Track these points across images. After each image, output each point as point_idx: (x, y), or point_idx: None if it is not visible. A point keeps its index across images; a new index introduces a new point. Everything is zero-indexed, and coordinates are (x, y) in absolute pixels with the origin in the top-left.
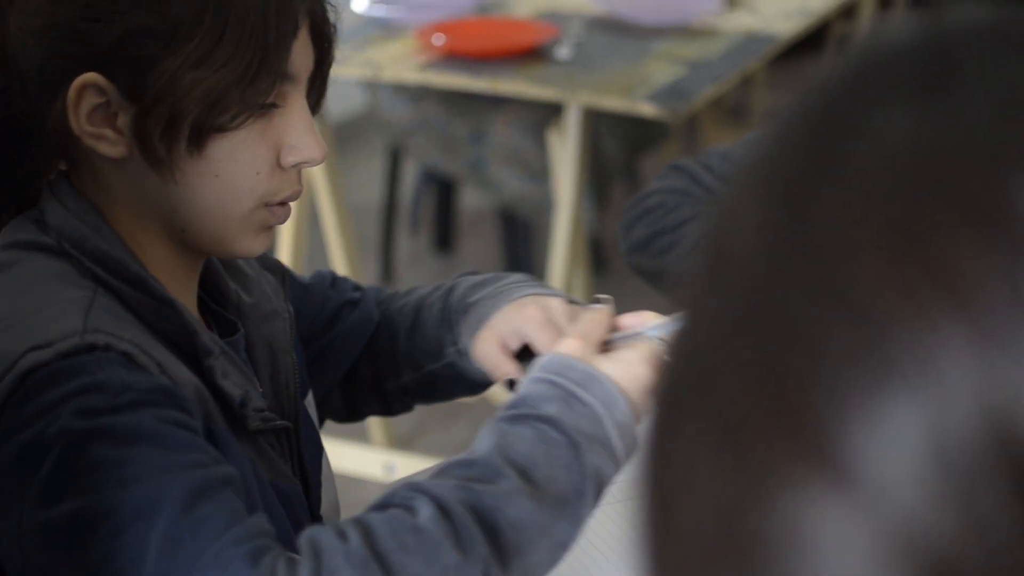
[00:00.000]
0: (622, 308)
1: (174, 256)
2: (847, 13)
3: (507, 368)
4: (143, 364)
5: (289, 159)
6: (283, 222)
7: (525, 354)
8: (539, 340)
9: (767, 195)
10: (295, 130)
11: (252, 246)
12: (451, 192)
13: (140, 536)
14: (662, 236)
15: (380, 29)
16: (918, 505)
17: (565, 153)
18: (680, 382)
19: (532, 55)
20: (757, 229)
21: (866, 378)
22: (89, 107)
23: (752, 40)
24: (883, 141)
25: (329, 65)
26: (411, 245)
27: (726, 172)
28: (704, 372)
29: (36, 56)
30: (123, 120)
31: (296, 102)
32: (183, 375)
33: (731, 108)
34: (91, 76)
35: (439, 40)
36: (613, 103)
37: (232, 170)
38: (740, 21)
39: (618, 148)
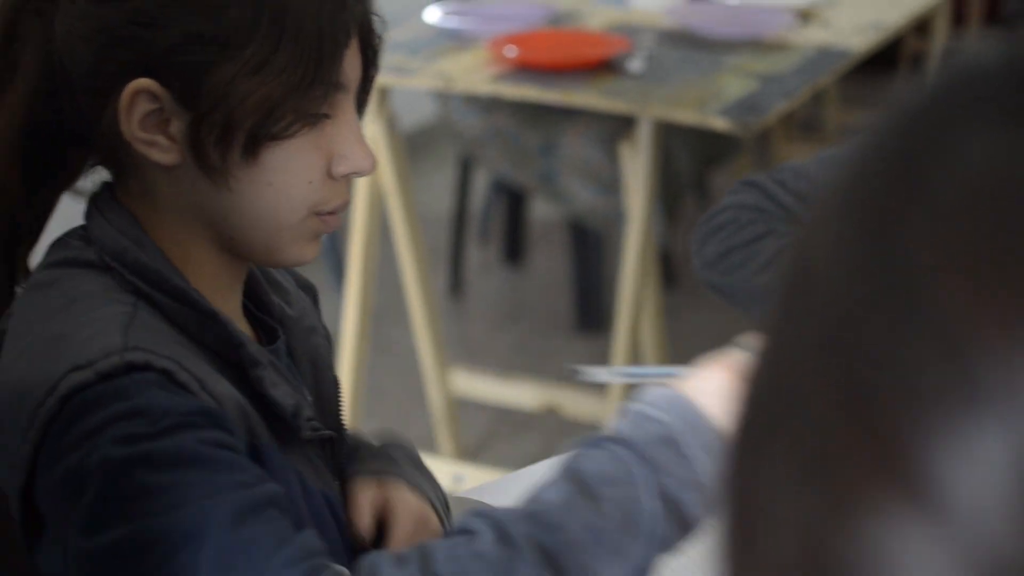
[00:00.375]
0: (693, 322)
1: (219, 265)
2: (921, 29)
3: (363, 521)
4: (183, 381)
5: (340, 169)
6: (332, 231)
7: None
8: (399, 530)
9: (852, 218)
10: (346, 140)
11: (302, 254)
12: (521, 203)
13: (190, 561)
14: (735, 252)
15: (452, 40)
16: (1004, 532)
17: (637, 166)
18: (762, 407)
19: (604, 68)
20: (842, 253)
21: (954, 405)
22: (142, 113)
23: (825, 55)
24: (971, 165)
25: (375, 76)
26: (481, 256)
27: (799, 188)
28: (788, 397)
29: (84, 60)
30: (176, 127)
31: (347, 112)
32: (224, 389)
33: (803, 122)
34: (144, 82)
35: (511, 52)
36: (685, 116)
37: (285, 179)
38: (813, 36)
39: (689, 162)
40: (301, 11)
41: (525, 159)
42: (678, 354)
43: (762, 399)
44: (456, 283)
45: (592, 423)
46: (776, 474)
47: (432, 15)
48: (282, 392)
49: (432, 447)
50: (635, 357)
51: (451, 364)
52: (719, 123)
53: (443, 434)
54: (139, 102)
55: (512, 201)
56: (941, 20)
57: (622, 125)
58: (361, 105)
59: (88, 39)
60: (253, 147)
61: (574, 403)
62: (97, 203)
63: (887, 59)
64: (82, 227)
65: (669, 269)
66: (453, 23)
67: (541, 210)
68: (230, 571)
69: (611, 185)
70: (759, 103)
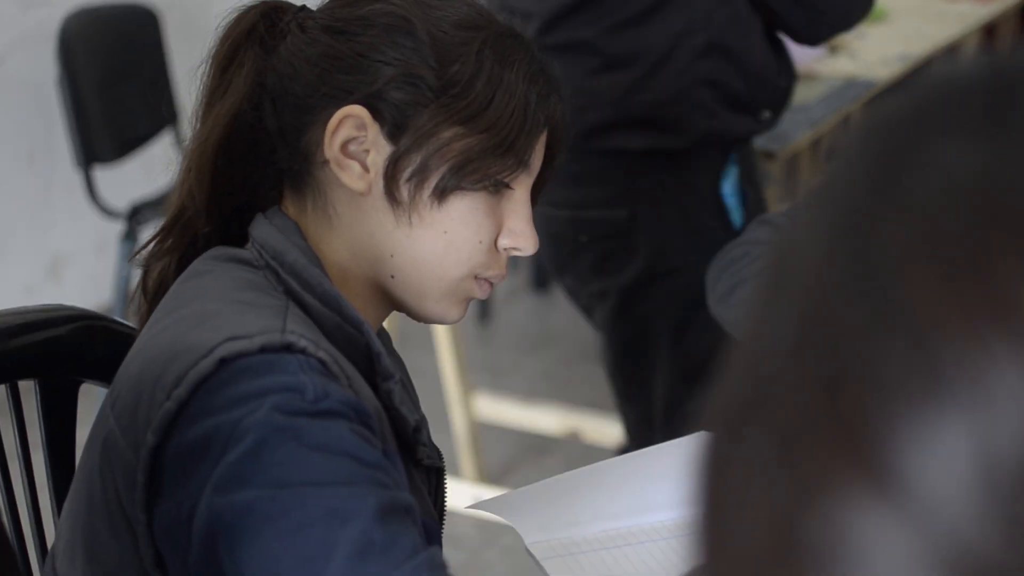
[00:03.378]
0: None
1: (368, 300)
2: (948, 59)
3: None
4: (335, 374)
5: (506, 242)
6: (482, 298)
7: None
8: None
9: (829, 219)
10: (518, 217)
11: (447, 312)
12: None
13: (330, 535)
14: (743, 286)
15: None
16: (965, 519)
17: None
18: (738, 396)
19: None
20: (819, 251)
21: (920, 396)
22: (346, 137)
23: (851, 85)
24: (944, 170)
25: (549, 177)
26: (509, 282)
27: None
28: (762, 387)
29: (304, 80)
30: (374, 157)
31: (525, 193)
32: (366, 393)
33: (830, 152)
34: (357, 109)
35: None
36: None
37: (460, 230)
38: (840, 66)
39: None
40: (514, 85)
41: None
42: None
43: (738, 385)
44: (484, 310)
45: (615, 449)
46: (749, 458)
47: None
48: (407, 409)
49: (455, 470)
50: None
51: (476, 388)
52: None
53: (466, 458)
54: (346, 126)
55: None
56: (968, 49)
57: None
58: (533, 199)
59: (313, 62)
60: (442, 192)
61: (597, 428)
62: (265, 213)
63: None
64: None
65: None
66: None
67: None
68: (365, 559)
69: None
70: (784, 132)
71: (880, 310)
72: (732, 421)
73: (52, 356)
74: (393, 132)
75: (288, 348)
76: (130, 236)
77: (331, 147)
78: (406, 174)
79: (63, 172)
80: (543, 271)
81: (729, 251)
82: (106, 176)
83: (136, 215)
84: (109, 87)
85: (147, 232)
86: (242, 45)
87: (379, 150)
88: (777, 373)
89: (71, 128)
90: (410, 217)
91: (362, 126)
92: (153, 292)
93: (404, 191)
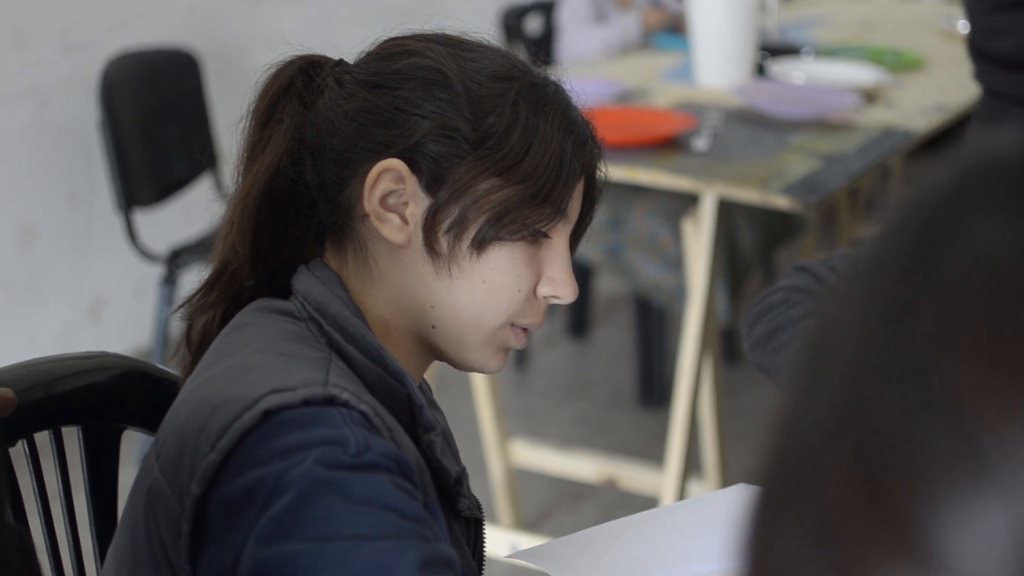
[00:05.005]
0: (749, 401)
1: (410, 352)
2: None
3: None
4: (377, 427)
5: (545, 290)
6: (520, 347)
7: None
8: None
9: (869, 297)
10: (558, 265)
11: (487, 362)
12: (587, 277)
13: None
14: (781, 332)
15: None
16: None
17: (699, 242)
18: (779, 476)
19: (670, 145)
20: (859, 330)
21: (959, 480)
22: (385, 190)
23: (888, 135)
24: (984, 250)
25: (588, 224)
26: (546, 329)
27: None
28: (803, 467)
29: (342, 134)
30: (413, 210)
31: (563, 241)
32: (407, 444)
33: (868, 201)
34: (395, 162)
35: None
36: (748, 195)
37: (499, 280)
38: (877, 116)
39: (755, 240)
40: (550, 136)
41: (592, 233)
42: (735, 432)
43: (780, 464)
44: (521, 356)
45: (650, 496)
46: (790, 539)
47: None
48: (449, 461)
49: (492, 517)
50: (693, 433)
51: (512, 435)
52: (781, 201)
53: (503, 504)
54: (384, 180)
55: (577, 275)
56: None
57: (688, 201)
58: (572, 246)
59: (351, 117)
60: (481, 243)
61: (633, 476)
62: (308, 265)
63: (953, 137)
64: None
65: (732, 347)
66: None
67: (606, 284)
68: None
69: (676, 261)
70: (821, 182)
71: (919, 394)
72: (773, 500)
73: (96, 403)
74: (431, 184)
75: (331, 401)
76: (169, 280)
77: (370, 200)
78: (445, 226)
79: (103, 215)
80: (580, 317)
81: (767, 296)
82: (146, 219)
83: (176, 259)
84: (150, 131)
85: (186, 276)
86: (280, 100)
87: (418, 202)
88: (818, 454)
89: (112, 171)
90: (449, 268)
91: (400, 179)
92: (197, 344)
93: (443, 243)
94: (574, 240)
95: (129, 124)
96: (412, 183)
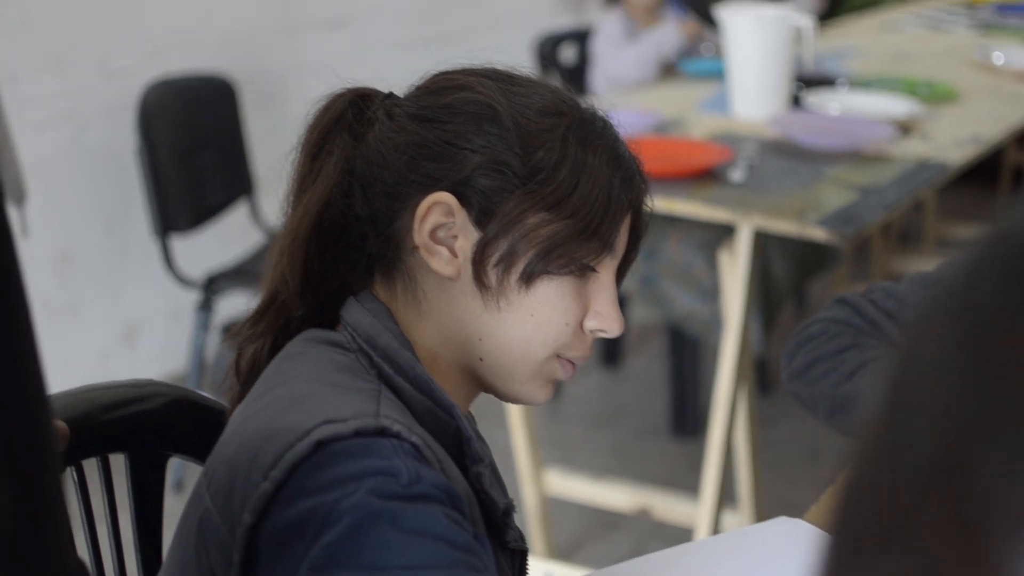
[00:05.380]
0: (782, 432)
1: (458, 383)
2: (1020, 141)
3: None
4: (428, 458)
5: (592, 324)
6: (566, 378)
7: None
8: None
9: (960, 339)
10: (603, 300)
11: (534, 394)
12: (621, 306)
13: None
14: (820, 363)
15: None
16: None
17: (735, 273)
18: (867, 525)
19: (707, 176)
20: (951, 376)
21: None
22: (434, 223)
23: (924, 167)
24: None
25: (634, 258)
26: None
27: (889, 307)
28: (897, 515)
29: (393, 168)
30: (462, 243)
31: (610, 275)
32: (456, 476)
33: (901, 233)
34: (445, 196)
35: None
36: (784, 226)
37: (547, 313)
38: (912, 148)
39: (789, 271)
40: (598, 171)
41: None
42: (769, 462)
43: (867, 513)
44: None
45: (684, 526)
46: None
47: None
48: (497, 492)
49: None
50: (727, 463)
51: (546, 464)
52: (817, 233)
53: (536, 533)
54: (434, 213)
55: None
56: None
57: (722, 232)
58: (618, 280)
59: (401, 150)
60: (529, 277)
61: (666, 505)
62: (357, 297)
63: (987, 171)
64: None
65: (765, 377)
66: None
67: (639, 314)
68: None
69: (710, 292)
70: (858, 214)
71: (1019, 449)
72: (861, 550)
73: (142, 431)
74: (480, 218)
75: (382, 432)
76: (205, 306)
77: (420, 233)
78: (494, 259)
79: (139, 240)
80: (613, 346)
81: (807, 327)
82: (181, 245)
83: (211, 285)
84: (186, 157)
85: (222, 302)
86: (331, 132)
87: (467, 236)
88: (912, 507)
89: (149, 197)
90: (498, 301)
91: (450, 212)
92: (246, 373)
93: (492, 276)
94: (620, 274)
95: (166, 150)
96: (462, 216)
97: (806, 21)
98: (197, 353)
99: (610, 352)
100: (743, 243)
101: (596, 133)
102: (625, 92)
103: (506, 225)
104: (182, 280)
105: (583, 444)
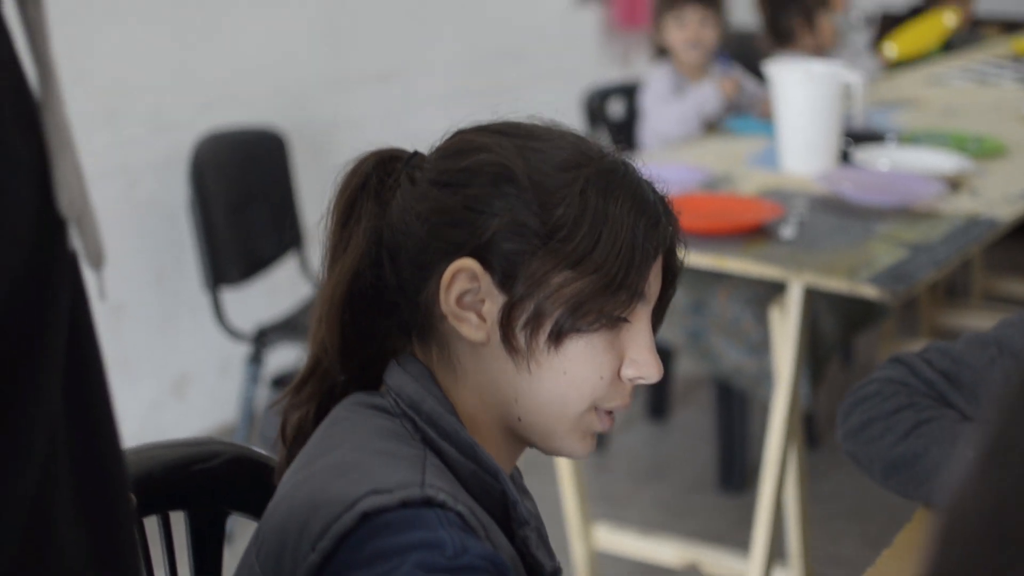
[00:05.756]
0: (830, 486)
1: (500, 442)
2: None
3: None
4: (473, 527)
5: (629, 372)
6: (606, 430)
7: None
8: None
9: None
10: (640, 347)
11: (575, 447)
12: (667, 358)
13: None
14: (875, 423)
15: None
16: None
17: (786, 330)
18: (981, 562)
19: (757, 233)
20: None
21: None
22: (460, 290)
23: (974, 223)
24: None
25: (671, 296)
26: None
27: (945, 367)
28: (1011, 554)
29: (416, 236)
30: (489, 307)
31: (643, 321)
32: (502, 542)
33: (948, 286)
34: (468, 262)
35: None
36: (836, 284)
37: (580, 370)
38: (962, 204)
39: (836, 325)
40: (620, 221)
41: (674, 317)
42: (817, 517)
43: (980, 552)
44: (601, 437)
45: None
46: None
47: None
48: (543, 555)
49: None
50: (777, 518)
51: (594, 518)
52: (868, 291)
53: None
54: (459, 280)
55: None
56: None
57: (771, 288)
58: (656, 321)
59: (424, 218)
60: (558, 336)
61: (715, 561)
62: (399, 359)
63: None
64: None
65: (813, 431)
66: None
67: (686, 366)
68: None
69: (758, 346)
70: (908, 272)
71: None
72: None
73: (202, 490)
74: (504, 281)
75: (428, 502)
76: (255, 358)
77: (447, 302)
78: (521, 322)
79: (190, 292)
80: (660, 399)
81: (863, 387)
82: (232, 297)
83: (262, 337)
84: (237, 210)
85: (272, 354)
86: (358, 199)
87: (493, 300)
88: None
89: (200, 249)
90: (528, 364)
91: (475, 278)
92: (292, 438)
93: (520, 338)
94: (657, 315)
95: (217, 203)
96: (486, 281)
97: (855, 77)
98: (247, 405)
99: (657, 405)
100: (794, 300)
101: (617, 182)
102: (673, 147)
103: (530, 287)
104: (232, 332)
105: (631, 498)
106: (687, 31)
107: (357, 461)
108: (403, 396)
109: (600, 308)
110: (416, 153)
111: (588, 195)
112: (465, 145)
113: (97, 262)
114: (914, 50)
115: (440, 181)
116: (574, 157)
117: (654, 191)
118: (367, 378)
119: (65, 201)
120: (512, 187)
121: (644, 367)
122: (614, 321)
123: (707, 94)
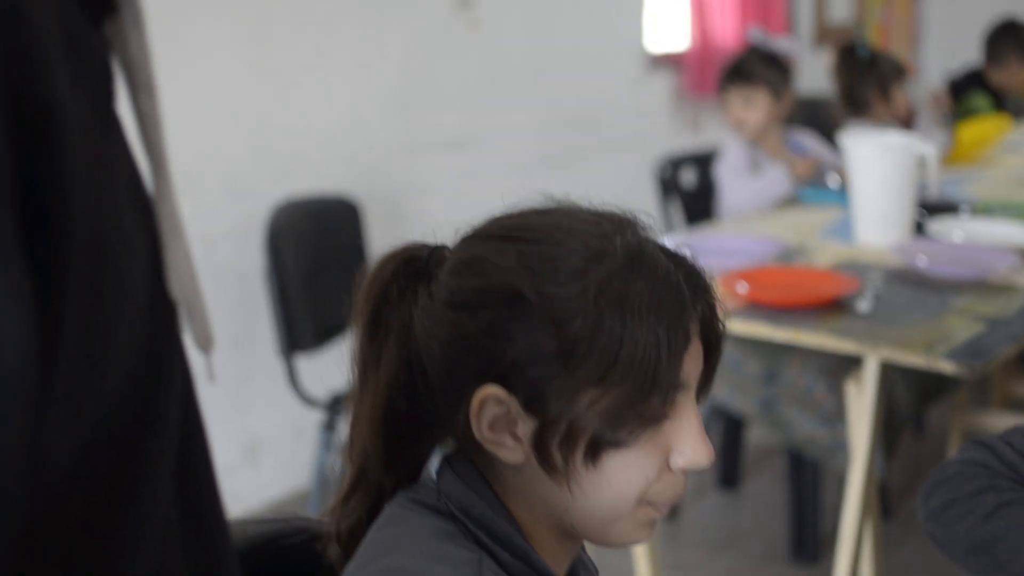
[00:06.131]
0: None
1: (556, 543)
2: None
3: None
4: None
5: (678, 463)
6: (665, 515)
7: None
8: None
9: None
10: (685, 435)
11: (635, 537)
12: (739, 428)
13: None
14: (956, 505)
15: None
16: None
17: (862, 404)
18: None
19: (832, 306)
20: None
21: None
22: (491, 416)
23: None
24: None
25: (717, 362)
26: (696, 479)
27: None
28: None
29: (439, 362)
30: (522, 429)
31: (686, 408)
32: None
33: (1020, 356)
34: (493, 389)
35: (743, 288)
36: (913, 359)
37: (624, 478)
38: None
39: (910, 397)
40: (640, 323)
41: (746, 387)
42: None
43: None
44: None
45: None
46: None
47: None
48: None
49: None
50: None
51: None
52: (946, 367)
53: None
54: (488, 407)
55: (729, 426)
56: None
57: (844, 357)
58: (702, 391)
59: (444, 343)
60: (595, 453)
61: None
62: (450, 460)
63: None
64: (433, 479)
65: (885, 501)
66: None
67: (757, 435)
68: None
69: (831, 416)
70: (986, 346)
71: None
72: None
73: (287, 566)
74: (530, 404)
75: None
76: (329, 425)
77: (479, 429)
78: (555, 443)
79: (264, 358)
80: (731, 468)
81: (944, 468)
82: (305, 363)
83: (336, 404)
84: (312, 276)
85: (345, 421)
86: (382, 312)
87: (524, 421)
88: None
89: (275, 316)
90: (568, 482)
91: (501, 401)
92: (346, 540)
93: (557, 458)
94: (702, 386)
95: (292, 270)
96: (514, 405)
97: (929, 149)
98: (320, 472)
99: (729, 474)
100: (870, 375)
101: (632, 279)
102: (748, 218)
103: (559, 407)
104: (306, 399)
105: (703, 567)
106: (730, 114)
107: (414, 570)
108: (453, 500)
109: (635, 417)
110: (431, 255)
111: (602, 303)
112: (475, 261)
113: (206, 346)
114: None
115: (454, 303)
116: (586, 259)
117: (682, 265)
118: (416, 473)
119: (176, 286)
120: (524, 307)
121: (693, 455)
122: (652, 423)
123: (780, 177)
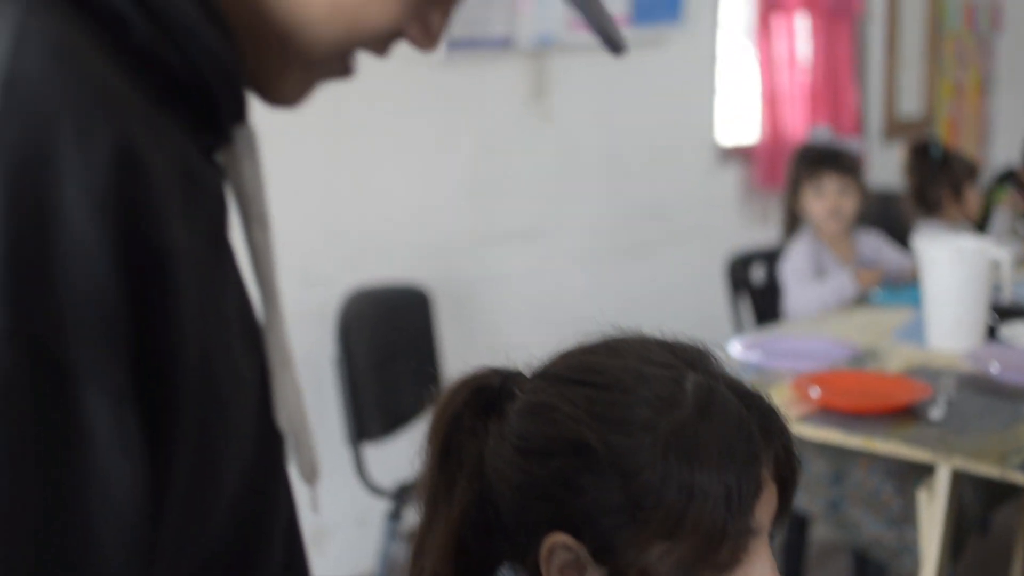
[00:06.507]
0: None
1: None
2: None
3: None
4: None
5: None
6: None
7: None
8: None
9: None
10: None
11: None
12: (804, 526)
13: None
14: None
15: (755, 374)
16: None
17: (933, 512)
18: None
19: (905, 412)
20: None
21: None
22: (561, 563)
23: None
24: None
25: (792, 498)
26: None
27: None
28: None
29: (511, 506)
30: (592, 574)
31: (760, 552)
32: None
33: None
34: (562, 538)
35: (815, 393)
36: (987, 470)
37: None
38: None
39: (978, 501)
40: (708, 476)
41: (813, 487)
42: None
43: None
44: None
45: None
46: None
47: (734, 349)
48: None
49: None
50: None
51: None
52: (1019, 478)
53: None
54: (557, 554)
55: (794, 524)
56: None
57: (913, 464)
58: (781, 523)
59: (515, 487)
60: None
61: None
62: None
63: None
64: None
65: None
66: (756, 357)
67: (821, 533)
68: None
69: (899, 518)
70: None
71: None
72: None
73: None
74: (600, 554)
75: None
76: (395, 514)
77: (548, 573)
78: None
79: (331, 445)
80: (793, 566)
81: None
82: (373, 451)
83: (402, 494)
84: (381, 365)
85: (411, 511)
86: (453, 440)
87: (593, 569)
88: None
89: (344, 404)
90: None
91: (571, 549)
92: None
93: None
94: (783, 519)
95: (362, 358)
96: (584, 552)
97: (1003, 253)
98: (385, 561)
99: (792, 572)
100: (942, 483)
101: (701, 429)
102: (818, 320)
103: (627, 559)
104: (373, 488)
105: None
106: (826, 200)
107: None
108: None
109: (706, 567)
110: (502, 386)
111: (671, 456)
112: (544, 408)
113: (311, 478)
114: None
115: (523, 448)
116: (656, 409)
117: (754, 407)
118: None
119: (283, 417)
120: (592, 458)
121: None
122: (724, 570)
123: (845, 283)
